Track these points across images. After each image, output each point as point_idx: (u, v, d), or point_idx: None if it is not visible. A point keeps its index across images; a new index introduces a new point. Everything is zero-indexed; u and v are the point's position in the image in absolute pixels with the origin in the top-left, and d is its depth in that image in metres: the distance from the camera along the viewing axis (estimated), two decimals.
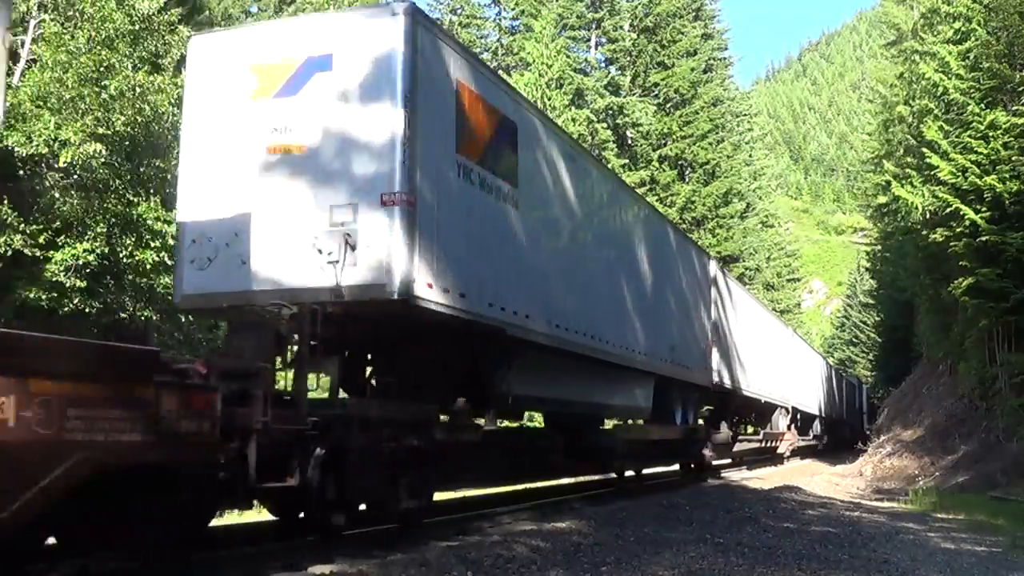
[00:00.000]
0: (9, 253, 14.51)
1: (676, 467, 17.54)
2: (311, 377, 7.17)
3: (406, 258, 6.81)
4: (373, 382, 8.71)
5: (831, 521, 10.50)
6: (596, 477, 15.07)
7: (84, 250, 15.41)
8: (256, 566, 6.01)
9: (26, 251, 14.75)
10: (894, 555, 7.71)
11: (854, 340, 68.58)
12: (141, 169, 16.78)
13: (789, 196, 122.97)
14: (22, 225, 14.74)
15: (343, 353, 8.11)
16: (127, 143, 16.45)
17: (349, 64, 7.13)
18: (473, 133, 8.00)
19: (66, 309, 15.27)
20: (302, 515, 7.24)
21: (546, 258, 9.52)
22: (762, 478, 19.73)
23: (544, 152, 9.56)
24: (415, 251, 6.90)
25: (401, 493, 7.36)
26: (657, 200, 32.84)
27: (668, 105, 37.95)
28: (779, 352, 25.17)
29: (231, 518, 7.93)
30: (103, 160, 15.66)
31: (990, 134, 17.56)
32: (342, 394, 8.32)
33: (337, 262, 6.84)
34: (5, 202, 14.46)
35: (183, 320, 17.38)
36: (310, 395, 6.68)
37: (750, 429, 24.72)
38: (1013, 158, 17.19)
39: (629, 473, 14.87)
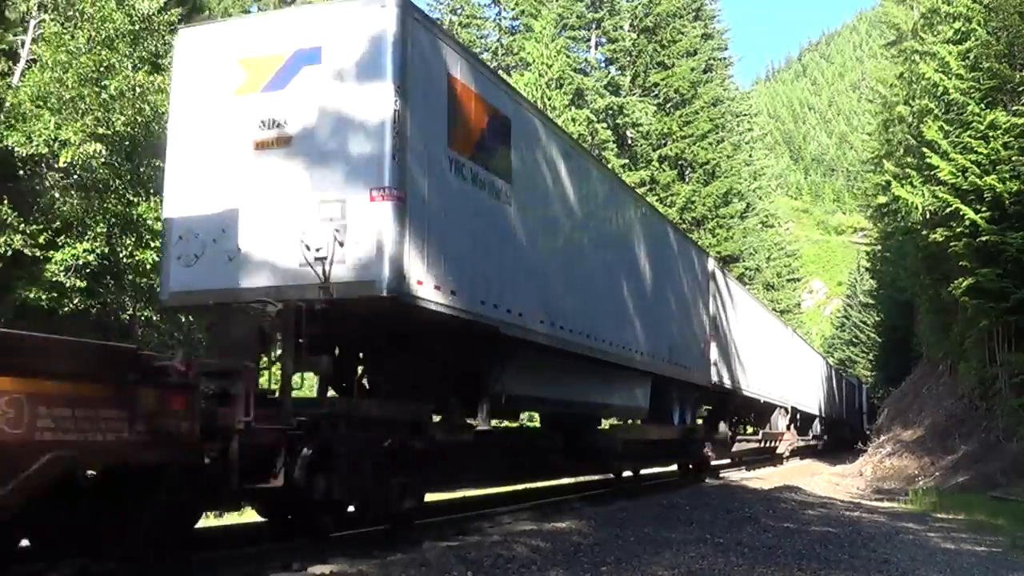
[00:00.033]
0: (9, 253, 14.52)
1: (675, 467, 17.51)
2: (302, 376, 7.06)
3: (396, 254, 6.64)
4: (364, 381, 8.58)
5: (831, 521, 10.49)
6: (596, 477, 15.06)
7: (84, 250, 15.42)
8: (256, 566, 6.00)
9: (26, 251, 14.75)
10: (894, 555, 7.71)
11: (854, 340, 68.64)
12: (141, 169, 16.76)
13: (789, 196, 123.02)
14: (22, 225, 14.74)
15: (332, 351, 7.94)
16: (127, 143, 16.43)
17: (338, 57, 6.98)
18: (466, 128, 7.83)
19: (66, 309, 15.28)
20: (291, 517, 7.13)
21: (543, 256, 9.39)
22: (762, 478, 19.73)
23: (542, 150, 9.47)
24: (405, 247, 6.71)
25: (391, 494, 7.24)
26: (657, 200, 32.82)
27: (668, 105, 37.94)
28: (778, 352, 25.12)
29: (231, 518, 7.90)
30: (103, 160, 15.66)
31: (990, 134, 17.57)
32: (332, 393, 8.28)
33: (325, 258, 6.68)
34: (5, 202, 14.47)
35: (183, 320, 17.36)
36: (299, 394, 6.54)
37: (749, 429, 24.68)
38: (1013, 158, 17.20)
39: (627, 473, 14.83)
